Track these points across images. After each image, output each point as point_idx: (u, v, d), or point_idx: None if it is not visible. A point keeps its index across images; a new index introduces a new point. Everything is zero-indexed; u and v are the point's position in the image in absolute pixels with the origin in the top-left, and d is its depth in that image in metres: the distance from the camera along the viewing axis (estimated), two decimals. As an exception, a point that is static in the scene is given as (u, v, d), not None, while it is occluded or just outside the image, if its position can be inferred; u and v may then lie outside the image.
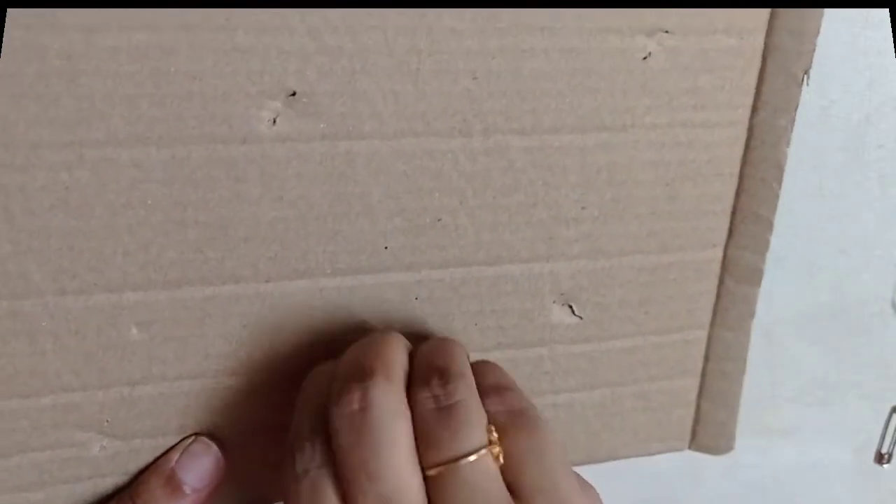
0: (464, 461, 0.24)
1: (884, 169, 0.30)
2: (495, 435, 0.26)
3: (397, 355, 0.28)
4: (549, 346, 0.34)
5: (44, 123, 0.25)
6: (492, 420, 0.26)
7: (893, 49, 0.28)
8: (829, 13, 0.30)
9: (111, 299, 0.28)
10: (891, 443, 0.35)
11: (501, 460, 0.25)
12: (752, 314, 0.36)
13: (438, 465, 0.24)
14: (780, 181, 0.33)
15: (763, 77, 0.31)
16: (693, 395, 0.38)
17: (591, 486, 0.27)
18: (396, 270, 0.30)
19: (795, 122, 0.31)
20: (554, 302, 0.33)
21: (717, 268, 0.35)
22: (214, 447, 0.30)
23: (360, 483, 0.24)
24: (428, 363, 0.28)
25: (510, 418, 0.26)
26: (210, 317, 0.29)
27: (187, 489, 0.30)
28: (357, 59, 0.27)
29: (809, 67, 0.31)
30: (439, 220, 0.30)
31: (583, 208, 0.31)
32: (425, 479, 0.25)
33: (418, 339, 0.31)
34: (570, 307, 0.33)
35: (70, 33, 0.24)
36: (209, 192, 0.27)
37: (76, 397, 0.29)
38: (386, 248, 0.30)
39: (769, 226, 0.34)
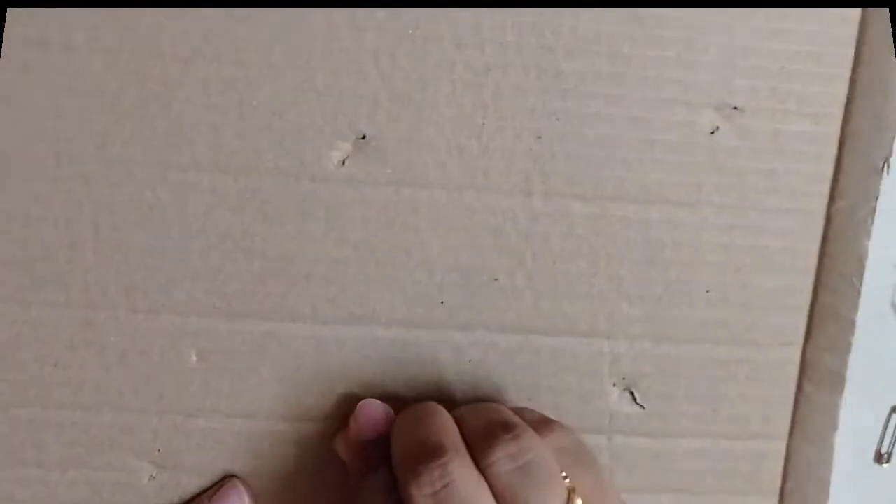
0: None
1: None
2: (568, 480, 0.26)
3: (452, 425, 0.28)
4: (609, 435, 0.33)
5: (137, 143, 0.28)
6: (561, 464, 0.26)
7: (894, 49, 0.27)
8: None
9: (176, 322, 0.29)
10: (890, 442, 0.33)
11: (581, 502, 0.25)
12: (835, 427, 0.33)
13: None
14: (861, 278, 0.31)
15: (840, 164, 0.31)
16: (771, 518, 0.35)
17: None
18: (451, 328, 0.31)
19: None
20: (614, 385, 0.32)
21: (794, 370, 0.33)
22: (245, 494, 0.30)
23: None
24: (485, 423, 0.27)
25: (567, 457, 0.26)
26: (267, 354, 0.30)
27: None
28: (425, 109, 0.28)
29: (890, 156, 0.30)
30: (496, 279, 0.30)
31: (646, 286, 0.31)
32: None
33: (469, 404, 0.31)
34: (632, 394, 0.32)
35: (169, 62, 0.27)
36: (276, 225, 0.29)
37: (133, 419, 0.30)
38: (442, 302, 0.30)
39: (851, 327, 0.32)
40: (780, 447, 0.34)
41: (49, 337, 0.29)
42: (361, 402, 0.29)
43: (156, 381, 0.30)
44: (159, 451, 0.30)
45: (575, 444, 0.27)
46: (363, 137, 0.28)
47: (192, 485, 0.31)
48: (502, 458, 0.26)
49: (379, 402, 0.30)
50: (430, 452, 0.26)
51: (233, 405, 0.30)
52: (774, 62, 0.29)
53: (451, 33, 0.28)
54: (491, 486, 0.25)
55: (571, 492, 0.25)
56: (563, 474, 0.26)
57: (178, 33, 0.27)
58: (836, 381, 0.33)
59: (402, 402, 0.30)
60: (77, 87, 0.27)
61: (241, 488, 0.31)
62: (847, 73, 0.30)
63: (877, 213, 0.31)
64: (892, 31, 0.28)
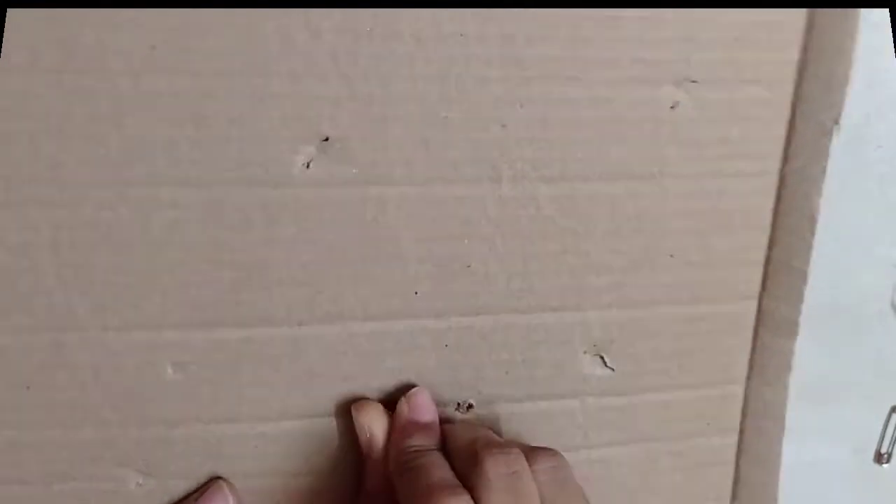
0: None
1: (883, 169, 0.30)
2: None
3: None
4: (581, 399, 0.34)
5: (91, 163, 0.26)
6: (542, 490, 0.28)
7: (894, 49, 0.28)
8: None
9: (150, 337, 0.29)
10: (890, 442, 0.34)
11: None
12: (789, 368, 0.35)
13: None
14: (813, 232, 0.33)
15: (793, 127, 0.31)
16: (731, 454, 0.37)
17: None
18: (426, 317, 0.31)
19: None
20: (585, 352, 0.33)
21: (751, 320, 0.34)
22: (229, 496, 0.30)
23: None
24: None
25: (555, 487, 0.28)
26: (244, 359, 0.30)
27: None
28: (388, 107, 0.28)
29: (839, 117, 0.31)
30: (469, 266, 0.30)
31: (613, 257, 0.32)
32: None
33: (449, 387, 0.31)
34: (602, 358, 0.33)
35: (118, 78, 0.25)
36: (244, 234, 0.28)
37: (115, 433, 0.30)
38: (416, 293, 0.30)
39: (803, 277, 0.33)
40: (739, 390, 0.36)
41: (18, 361, 0.28)
42: (413, 390, 0.31)
43: (133, 395, 0.29)
44: (144, 459, 0.30)
45: (562, 471, 0.29)
46: (326, 139, 0.28)
47: (180, 488, 0.31)
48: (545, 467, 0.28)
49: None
50: (502, 446, 0.28)
51: (214, 412, 0.30)
52: (730, 32, 0.29)
53: (411, 28, 0.27)
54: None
55: None
56: None
57: (124, 48, 0.25)
58: (791, 328, 0.34)
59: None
60: (22, 110, 0.25)
61: (226, 490, 0.31)
62: (799, 38, 0.30)
63: (877, 214, 0.31)
64: (893, 31, 0.28)
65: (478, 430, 0.30)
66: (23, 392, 0.28)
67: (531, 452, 0.28)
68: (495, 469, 0.27)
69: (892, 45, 0.28)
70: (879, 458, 0.35)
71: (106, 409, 0.29)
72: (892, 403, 0.35)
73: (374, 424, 0.30)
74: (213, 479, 0.31)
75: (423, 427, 0.30)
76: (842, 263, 0.32)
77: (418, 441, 0.29)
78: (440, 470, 0.28)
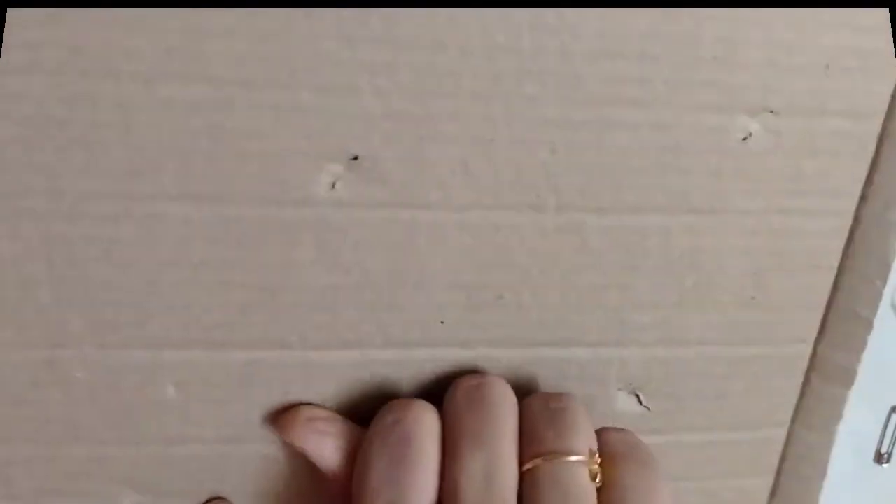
0: (560, 459, 0.24)
1: None
2: (598, 460, 0.25)
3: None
4: (612, 435, 0.31)
5: (93, 174, 0.24)
6: (606, 448, 0.26)
7: (893, 49, 0.25)
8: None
9: (150, 356, 0.27)
10: (890, 443, 0.34)
11: (599, 482, 0.25)
12: (839, 417, 0.33)
13: (535, 457, 0.24)
14: (884, 279, 0.30)
15: (876, 164, 0.28)
16: (764, 496, 0.34)
17: None
18: (451, 346, 0.28)
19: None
20: (619, 389, 0.30)
21: (803, 364, 0.32)
22: None
23: (465, 446, 0.25)
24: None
25: (624, 448, 0.26)
26: (251, 381, 0.27)
27: None
28: (425, 126, 0.25)
29: (930, 158, 0.28)
30: (500, 297, 0.28)
31: (660, 294, 0.29)
32: (521, 474, 0.25)
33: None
34: (637, 396, 0.31)
35: (127, 83, 0.23)
36: (259, 255, 0.25)
37: (110, 451, 0.28)
38: (442, 322, 0.28)
39: (869, 326, 0.30)
40: (781, 433, 0.33)
41: (8, 377, 0.26)
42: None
43: (130, 414, 0.27)
44: (140, 477, 0.28)
45: (635, 442, 0.27)
46: (355, 158, 0.25)
47: (178, 507, 0.29)
48: (539, 399, 0.26)
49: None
50: (477, 373, 0.28)
51: (217, 432, 0.28)
52: (819, 59, 0.26)
53: (457, 39, 0.24)
54: (521, 424, 0.26)
55: (593, 462, 0.25)
56: (597, 457, 0.25)
57: (134, 49, 0.22)
58: (847, 376, 0.32)
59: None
60: (17, 113, 0.23)
61: None
62: (895, 69, 0.27)
63: None
64: (893, 31, 0.25)
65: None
66: (11, 409, 0.26)
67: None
68: (462, 384, 0.26)
69: (892, 44, 0.25)
70: (879, 458, 0.34)
71: (101, 427, 0.27)
72: (892, 403, 0.34)
73: None
74: (215, 500, 0.29)
75: None
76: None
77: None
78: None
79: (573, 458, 0.24)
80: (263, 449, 0.29)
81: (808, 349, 0.31)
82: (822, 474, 0.34)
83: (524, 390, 0.29)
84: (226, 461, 0.29)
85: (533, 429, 0.25)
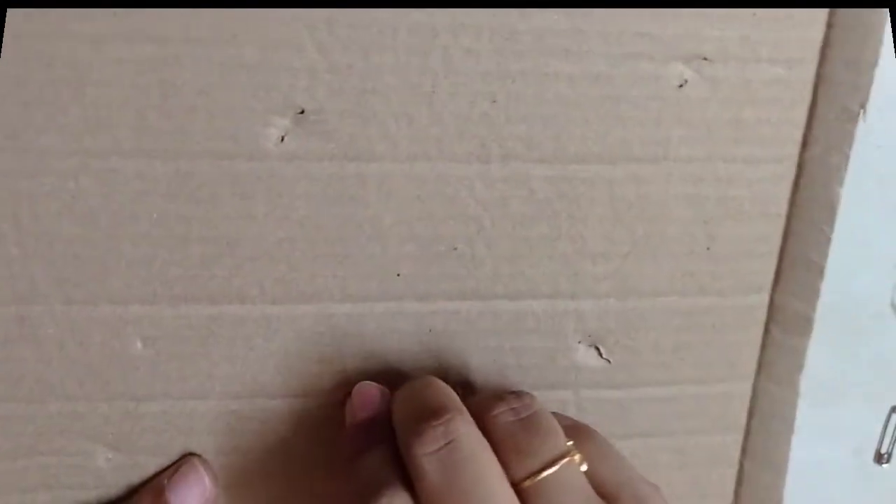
0: (556, 465, 0.25)
1: (883, 169, 0.29)
2: (571, 442, 0.26)
3: (453, 392, 0.27)
4: (574, 390, 0.32)
5: (51, 131, 0.25)
6: (500, 434, 0.26)
7: (894, 49, 0.26)
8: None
9: (116, 311, 0.28)
10: (890, 443, 0.33)
11: (585, 466, 0.25)
12: (800, 367, 0.33)
13: (531, 474, 0.24)
14: (831, 224, 0.30)
15: (814, 111, 0.29)
16: (735, 453, 0.35)
17: (655, 485, 0.27)
18: (409, 299, 0.29)
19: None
20: (579, 342, 0.31)
21: (762, 315, 0.32)
22: (204, 474, 0.29)
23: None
24: (491, 393, 0.27)
25: (570, 430, 0.26)
26: (215, 336, 0.29)
27: None
28: (368, 79, 0.26)
29: (866, 101, 0.28)
30: (455, 248, 0.29)
31: (611, 244, 0.30)
32: (519, 493, 0.24)
33: (433, 373, 0.30)
34: (597, 349, 0.31)
35: (77, 43, 0.24)
36: (214, 209, 0.27)
37: (81, 407, 0.29)
38: (398, 275, 0.29)
39: (820, 272, 0.31)
40: (747, 388, 0.34)
41: (-20, 334, 0.27)
42: (356, 386, 0.29)
43: (100, 369, 0.28)
44: (112, 434, 0.29)
45: (573, 422, 0.28)
46: (302, 112, 0.26)
47: (151, 464, 0.30)
48: (505, 411, 0.26)
49: (373, 382, 0.29)
50: (433, 412, 0.25)
51: (184, 388, 0.29)
52: (747, 8, 0.27)
53: (393, -6, 0.25)
54: (491, 438, 0.25)
55: (571, 447, 0.25)
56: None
57: (85, 12, 0.24)
58: (805, 325, 0.32)
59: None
60: (-24, 74, 0.24)
61: (200, 467, 0.30)
62: (824, 16, 0.27)
63: (877, 214, 0.29)
64: (893, 31, 0.25)
65: (415, 400, 0.27)
66: (-14, 365, 0.28)
67: (492, 399, 0.26)
68: (422, 450, 0.24)
69: (893, 44, 0.26)
70: (879, 458, 0.34)
71: (72, 384, 0.28)
72: (892, 403, 0.34)
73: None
74: (187, 456, 0.30)
75: (367, 426, 0.28)
76: (842, 263, 0.30)
77: (363, 442, 0.27)
78: (373, 470, 0.26)
79: (566, 460, 0.25)
80: (231, 405, 0.30)
81: (765, 298, 0.32)
82: (790, 429, 0.34)
83: (484, 345, 0.30)
84: (193, 417, 0.30)
85: (517, 444, 0.25)
